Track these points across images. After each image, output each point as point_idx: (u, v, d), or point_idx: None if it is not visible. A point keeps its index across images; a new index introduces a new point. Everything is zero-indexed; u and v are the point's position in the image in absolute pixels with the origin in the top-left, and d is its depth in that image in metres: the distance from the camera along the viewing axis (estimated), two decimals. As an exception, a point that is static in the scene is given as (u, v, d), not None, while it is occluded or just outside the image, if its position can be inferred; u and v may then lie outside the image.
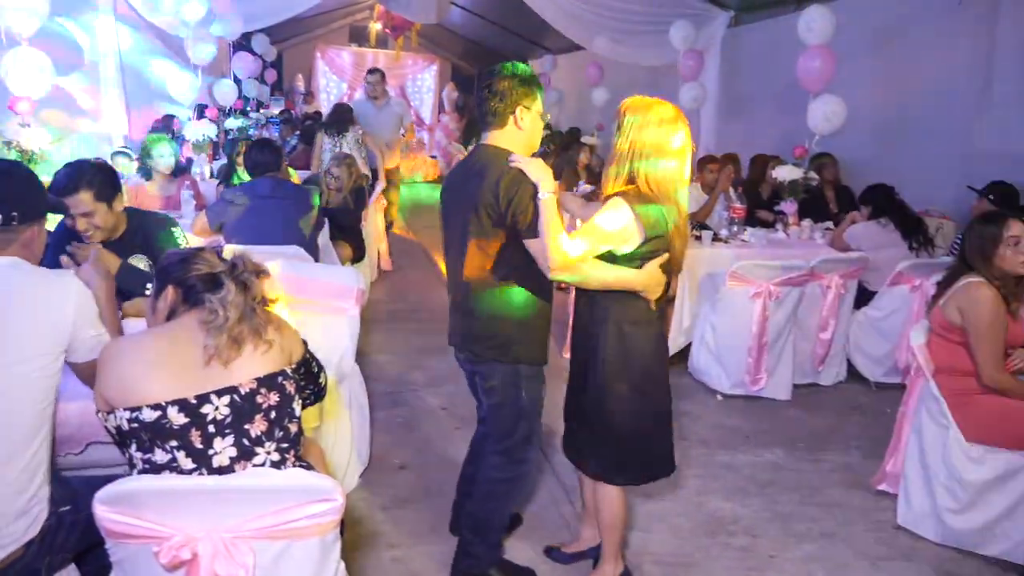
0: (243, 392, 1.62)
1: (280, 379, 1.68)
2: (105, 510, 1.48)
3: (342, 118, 6.52)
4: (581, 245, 2.02)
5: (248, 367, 1.64)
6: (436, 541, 2.69)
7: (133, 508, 1.48)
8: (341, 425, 2.92)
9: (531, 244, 2.05)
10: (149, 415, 1.56)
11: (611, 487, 2.33)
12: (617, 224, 2.04)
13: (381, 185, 6.39)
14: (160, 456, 1.58)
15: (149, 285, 2.52)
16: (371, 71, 7.05)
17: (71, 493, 1.83)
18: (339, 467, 2.92)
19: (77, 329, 1.80)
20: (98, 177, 2.60)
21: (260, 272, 1.70)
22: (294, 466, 1.70)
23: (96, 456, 2.04)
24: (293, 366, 1.74)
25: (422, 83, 16.70)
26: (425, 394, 4.08)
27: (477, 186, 2.10)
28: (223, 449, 1.60)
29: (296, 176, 5.38)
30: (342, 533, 1.67)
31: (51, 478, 1.81)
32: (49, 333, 1.76)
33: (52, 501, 1.79)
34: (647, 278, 2.09)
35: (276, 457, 1.66)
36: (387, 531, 2.78)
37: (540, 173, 2.03)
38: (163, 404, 1.56)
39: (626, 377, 2.17)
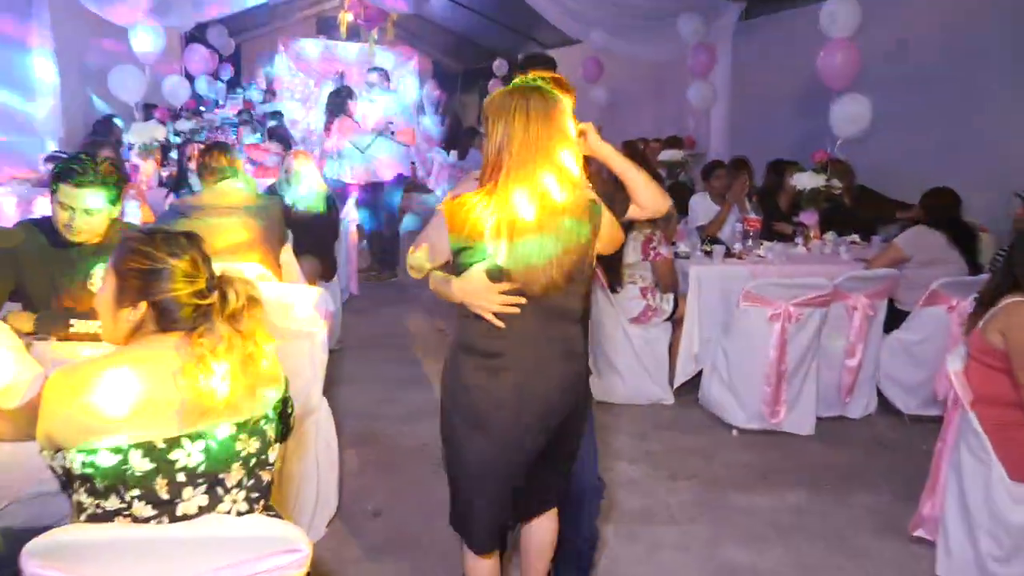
0: (220, 438, 1.59)
1: (262, 423, 1.67)
2: (37, 565, 1.46)
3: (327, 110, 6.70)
4: (419, 251, 2.14)
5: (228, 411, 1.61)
6: (414, 598, 2.68)
7: (70, 563, 1.46)
8: (306, 466, 2.91)
9: None
10: (107, 459, 1.50)
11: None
12: (432, 232, 2.11)
13: (353, 197, 6.42)
14: (113, 503, 1.53)
15: (73, 320, 2.54)
16: (370, 70, 7.27)
17: None
18: (304, 514, 2.90)
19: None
20: (115, 177, 2.67)
21: (252, 300, 1.65)
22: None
23: (23, 515, 1.99)
24: (273, 406, 1.72)
25: (399, 81, 16.81)
26: (402, 430, 4.07)
27: None
28: (192, 498, 1.58)
29: (253, 184, 5.38)
30: (308, 589, 1.66)
31: None
32: None
33: None
34: (460, 285, 2.01)
35: (244, 507, 1.65)
36: (359, 587, 2.76)
37: (457, 187, 2.20)
38: (124, 447, 1.51)
39: (451, 409, 2.09)
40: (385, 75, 7.15)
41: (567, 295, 2.04)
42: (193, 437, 1.56)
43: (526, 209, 1.94)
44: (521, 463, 2.09)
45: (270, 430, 1.69)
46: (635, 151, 7.54)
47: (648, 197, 2.35)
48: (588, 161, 2.29)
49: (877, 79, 5.65)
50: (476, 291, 1.99)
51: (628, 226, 2.95)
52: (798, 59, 6.37)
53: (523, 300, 1.99)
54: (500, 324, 2.00)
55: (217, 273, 1.67)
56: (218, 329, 1.59)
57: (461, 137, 10.45)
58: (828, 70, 5.30)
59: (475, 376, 2.04)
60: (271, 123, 9.27)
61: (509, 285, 1.98)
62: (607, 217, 2.09)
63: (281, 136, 8.40)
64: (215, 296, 1.62)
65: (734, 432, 4.17)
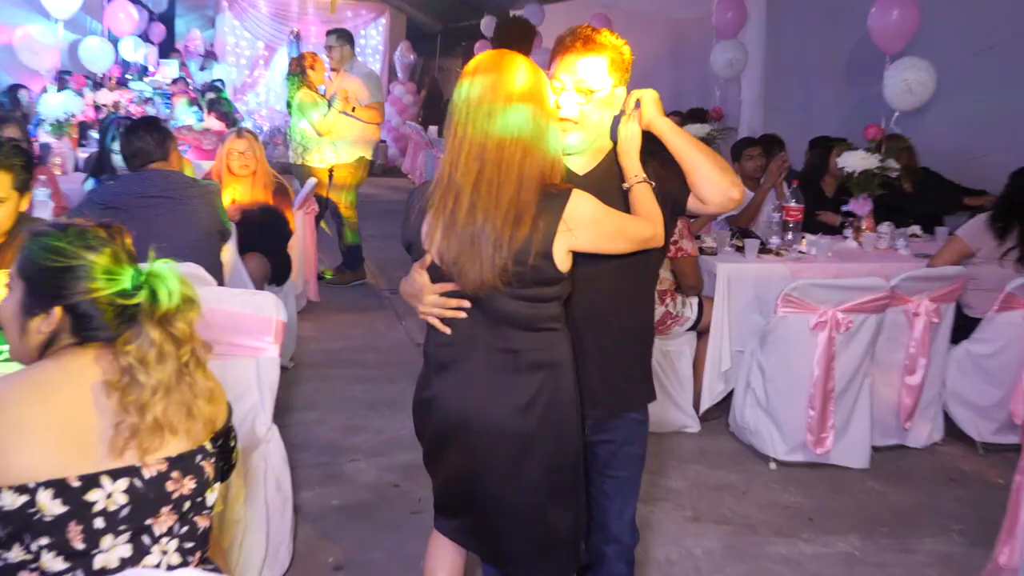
0: (147, 476, 1.59)
1: (199, 458, 1.67)
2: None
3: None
4: None
5: (160, 452, 1.61)
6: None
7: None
8: (252, 510, 2.89)
9: None
10: (10, 500, 1.49)
11: None
12: None
13: (313, 182, 6.43)
14: (17, 554, 1.52)
15: None
16: (329, 32, 7.29)
17: None
18: (250, 568, 2.88)
19: None
20: (22, 159, 2.70)
21: (188, 301, 1.66)
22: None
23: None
24: (213, 437, 1.72)
25: (366, 42, 16.83)
26: (370, 466, 4.05)
27: None
28: (112, 548, 1.56)
29: (190, 167, 5.36)
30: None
31: None
32: None
33: None
34: (402, 286, 2.19)
35: (176, 559, 1.65)
36: (317, 657, 2.74)
37: None
38: (31, 486, 1.49)
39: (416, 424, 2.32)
40: (346, 38, 7.13)
41: (519, 299, 2.04)
42: (115, 474, 1.55)
43: (457, 197, 1.99)
44: (476, 483, 2.14)
45: (208, 467, 1.68)
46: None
47: (713, 188, 2.21)
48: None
49: (940, 39, 5.67)
50: (415, 292, 2.10)
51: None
52: (846, 15, 6.39)
53: (466, 303, 2.05)
54: (445, 329, 2.09)
55: (145, 271, 1.66)
56: (147, 333, 1.59)
57: (441, 109, 10.45)
58: (881, 29, 5.31)
59: (430, 387, 2.17)
60: (210, 95, 9.26)
61: (451, 286, 2.04)
62: (589, 210, 2.03)
63: (222, 111, 8.37)
64: (143, 295, 1.61)
65: (772, 465, 4.17)
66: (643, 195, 2.17)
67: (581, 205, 2.01)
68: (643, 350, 2.40)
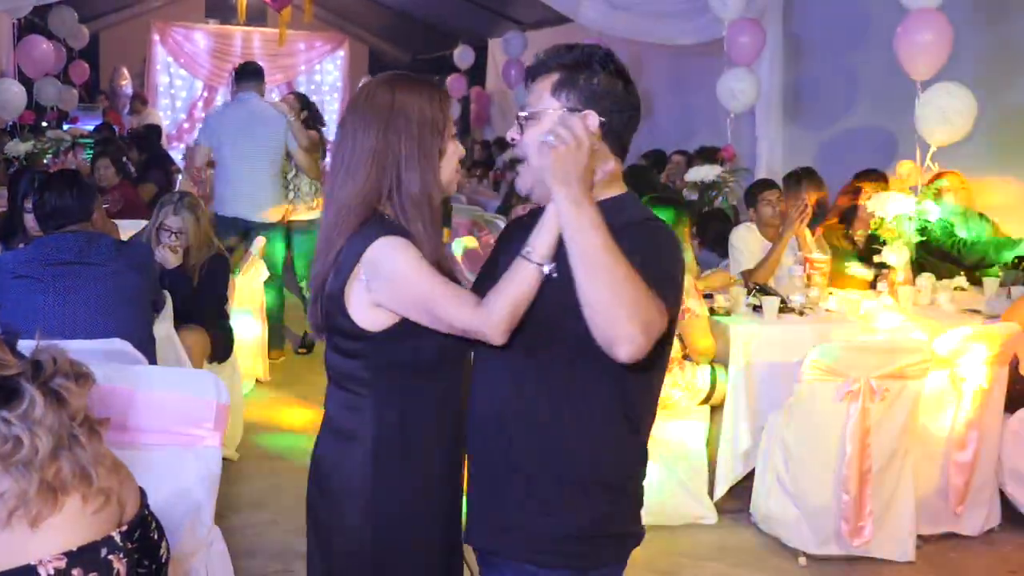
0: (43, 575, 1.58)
1: (105, 552, 1.65)
2: None
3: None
4: None
5: (54, 532, 1.59)
6: None
7: None
8: (191, 628, 2.88)
9: None
10: None
11: None
12: None
13: (260, 242, 6.46)
14: None
15: None
16: (236, 72, 7.45)
17: None
18: None
19: None
20: None
21: (80, 376, 1.67)
22: None
23: None
24: (124, 529, 1.71)
25: (322, 78, 17.05)
26: (330, 573, 4.03)
27: None
28: None
29: (115, 229, 5.41)
30: None
31: None
32: None
33: None
34: None
35: None
36: None
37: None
38: None
39: None
40: (240, 74, 7.23)
41: (330, 345, 2.14)
42: None
43: None
44: None
45: (118, 563, 1.67)
46: (643, 172, 7.62)
47: (597, 331, 1.77)
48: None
49: (978, 61, 5.81)
50: None
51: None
52: (871, 38, 6.56)
53: None
54: None
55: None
56: (31, 397, 1.59)
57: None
58: (909, 51, 5.42)
59: None
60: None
61: None
62: (392, 264, 1.97)
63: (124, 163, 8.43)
64: (25, 365, 1.62)
65: (802, 561, 4.15)
66: (513, 274, 1.90)
67: (384, 254, 1.96)
68: (567, 484, 2.05)
